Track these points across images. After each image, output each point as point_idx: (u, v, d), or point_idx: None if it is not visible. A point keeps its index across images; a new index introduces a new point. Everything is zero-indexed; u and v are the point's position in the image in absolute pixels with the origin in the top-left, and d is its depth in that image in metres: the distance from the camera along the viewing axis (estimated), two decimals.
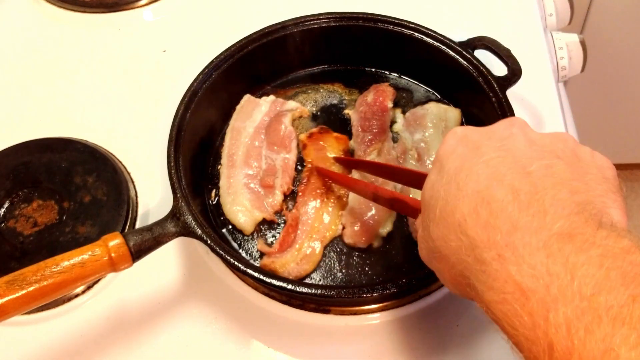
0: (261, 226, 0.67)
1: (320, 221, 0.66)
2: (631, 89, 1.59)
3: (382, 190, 0.59)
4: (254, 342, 0.61)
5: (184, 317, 0.62)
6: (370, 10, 0.76)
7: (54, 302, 0.62)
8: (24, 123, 0.81)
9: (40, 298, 0.49)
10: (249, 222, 0.66)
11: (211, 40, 0.84)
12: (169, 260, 0.66)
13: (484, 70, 0.68)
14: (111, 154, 0.75)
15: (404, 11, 0.78)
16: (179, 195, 0.60)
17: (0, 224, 0.68)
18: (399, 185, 0.67)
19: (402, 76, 0.80)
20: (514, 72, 0.68)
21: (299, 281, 0.62)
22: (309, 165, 0.70)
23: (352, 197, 0.67)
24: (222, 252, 0.56)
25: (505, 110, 0.64)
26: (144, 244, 0.54)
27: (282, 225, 0.66)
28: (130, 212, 0.69)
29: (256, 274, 0.55)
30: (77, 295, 0.64)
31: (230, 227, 0.67)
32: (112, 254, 0.52)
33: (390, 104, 0.74)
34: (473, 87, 0.69)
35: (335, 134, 0.73)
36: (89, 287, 0.64)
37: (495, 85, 0.66)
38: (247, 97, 0.76)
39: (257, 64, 0.76)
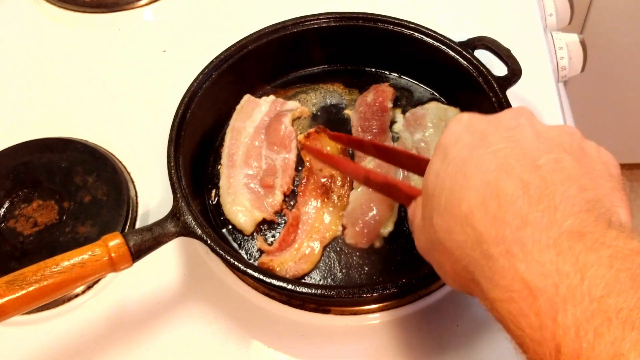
0: (261, 226, 0.67)
1: (320, 221, 0.66)
2: (631, 89, 1.59)
3: (374, 174, 0.57)
4: (254, 342, 0.61)
5: (184, 317, 0.62)
6: (370, 10, 0.76)
7: (54, 302, 0.62)
8: (24, 123, 0.81)
9: (40, 298, 0.49)
10: (249, 222, 0.66)
11: (211, 40, 0.84)
12: (169, 260, 0.66)
13: (484, 70, 0.68)
14: (111, 154, 0.75)
15: (404, 11, 0.78)
16: (179, 195, 0.60)
17: (0, 224, 0.68)
18: (401, 173, 0.67)
19: (402, 76, 0.80)
20: (514, 72, 0.68)
21: (299, 281, 0.62)
22: (308, 165, 0.70)
23: (353, 198, 0.67)
24: (222, 252, 0.56)
25: None
26: (144, 244, 0.54)
27: (282, 225, 0.66)
28: (130, 212, 0.69)
29: (256, 274, 0.55)
30: (77, 295, 0.64)
31: (230, 227, 0.67)
32: (112, 254, 0.52)
33: (390, 104, 0.75)
34: (473, 87, 0.69)
35: (332, 133, 0.72)
36: (89, 287, 0.64)
37: (495, 85, 0.66)
38: (247, 97, 0.76)
39: (257, 64, 0.76)
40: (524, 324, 0.30)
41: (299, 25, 0.75)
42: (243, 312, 0.62)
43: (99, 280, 0.64)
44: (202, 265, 0.65)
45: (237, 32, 0.75)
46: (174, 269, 0.65)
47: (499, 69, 0.69)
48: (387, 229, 0.65)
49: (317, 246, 0.64)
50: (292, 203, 0.68)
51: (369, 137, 0.71)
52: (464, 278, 0.37)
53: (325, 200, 0.67)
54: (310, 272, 0.63)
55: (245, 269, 0.55)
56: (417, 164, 0.55)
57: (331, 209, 0.67)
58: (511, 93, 0.67)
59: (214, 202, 0.69)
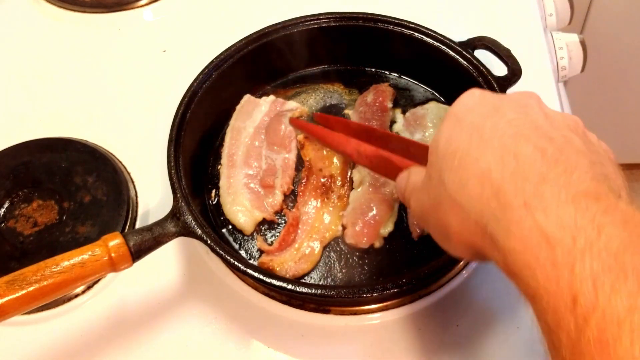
0: (261, 226, 0.67)
1: (320, 221, 0.66)
2: (631, 89, 1.59)
3: (364, 147, 0.57)
4: (254, 342, 0.61)
5: (184, 317, 0.62)
6: (370, 10, 0.76)
7: (54, 302, 0.62)
8: (24, 123, 0.81)
9: (40, 298, 0.49)
10: (249, 222, 0.66)
11: (211, 40, 0.84)
12: (169, 260, 0.66)
13: (484, 70, 0.68)
14: (111, 154, 0.75)
15: (404, 11, 0.78)
16: (179, 195, 0.60)
17: (0, 224, 0.68)
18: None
19: (402, 76, 0.80)
20: (514, 72, 0.68)
21: (299, 281, 0.62)
22: (308, 165, 0.70)
23: (353, 198, 0.67)
24: (222, 252, 0.56)
25: None
26: (144, 244, 0.54)
27: (282, 225, 0.66)
28: (130, 212, 0.69)
29: (256, 274, 0.55)
30: (77, 295, 0.64)
31: (230, 227, 0.67)
32: (112, 254, 0.52)
33: (390, 104, 0.75)
34: (473, 87, 0.68)
35: None
36: (89, 287, 0.64)
37: (495, 85, 0.67)
38: (247, 97, 0.76)
39: (257, 64, 0.76)
40: (540, 275, 0.31)
41: (299, 25, 0.75)
42: (243, 312, 0.62)
43: (99, 280, 0.64)
44: (202, 265, 0.65)
45: (237, 32, 0.75)
46: (174, 269, 0.65)
47: (499, 69, 0.69)
48: (387, 229, 0.65)
49: (317, 246, 0.64)
50: (292, 203, 0.68)
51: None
52: (473, 233, 0.36)
53: (325, 200, 0.67)
54: (310, 272, 0.63)
55: (245, 269, 0.55)
56: (407, 148, 0.55)
57: (331, 209, 0.67)
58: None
59: (214, 202, 0.69)
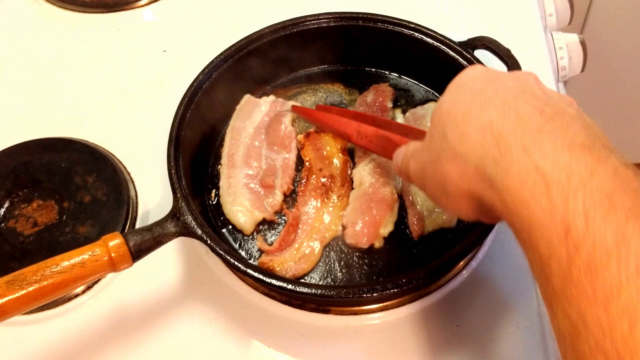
0: (261, 226, 0.67)
1: (320, 221, 0.66)
2: (631, 89, 1.59)
3: (365, 127, 0.59)
4: (254, 342, 0.61)
5: (184, 317, 0.62)
6: (370, 10, 0.76)
7: (54, 302, 0.62)
8: (24, 123, 0.81)
9: (40, 298, 0.49)
10: (249, 222, 0.66)
11: (211, 40, 0.84)
12: (169, 260, 0.66)
13: None
14: (111, 154, 0.75)
15: (404, 11, 0.78)
16: (179, 195, 0.60)
17: (0, 224, 0.68)
18: (399, 185, 0.68)
19: (402, 76, 0.80)
20: None
21: (299, 281, 0.62)
22: (308, 165, 0.70)
23: (353, 197, 0.67)
24: (222, 252, 0.56)
25: None
26: (144, 244, 0.54)
27: (282, 225, 0.66)
28: (130, 212, 0.69)
29: (256, 274, 0.55)
30: (77, 295, 0.64)
31: (230, 227, 0.67)
32: (112, 254, 0.52)
33: (390, 104, 0.75)
34: None
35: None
36: (89, 287, 0.64)
37: None
38: (247, 97, 0.76)
39: (257, 64, 0.76)
40: (535, 209, 0.33)
41: (299, 25, 0.75)
42: (243, 312, 0.62)
43: (99, 280, 0.64)
44: (202, 265, 0.65)
45: (237, 32, 0.75)
46: (174, 269, 0.65)
47: (499, 69, 0.69)
48: (387, 229, 0.65)
49: (317, 246, 0.64)
50: (292, 203, 0.68)
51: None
52: (471, 180, 0.39)
53: (325, 200, 0.67)
54: (310, 272, 0.63)
55: (245, 269, 0.55)
56: (406, 133, 0.57)
57: (331, 209, 0.67)
58: None
59: (214, 202, 0.69)
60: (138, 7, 0.95)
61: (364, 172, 0.68)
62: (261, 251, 0.64)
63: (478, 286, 0.62)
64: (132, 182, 0.73)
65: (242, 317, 0.62)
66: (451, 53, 0.71)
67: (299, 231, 0.65)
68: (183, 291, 0.64)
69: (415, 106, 0.75)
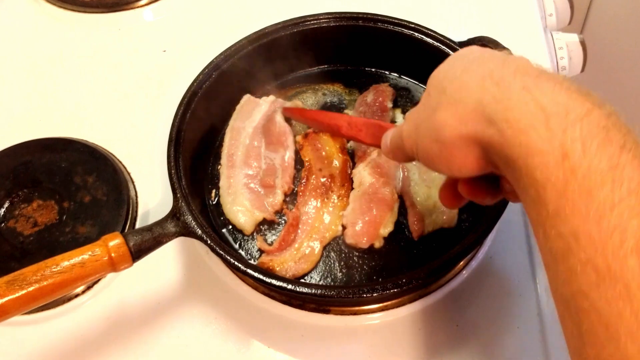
0: (261, 226, 0.67)
1: (320, 221, 0.66)
2: (631, 89, 1.59)
3: (355, 119, 0.60)
4: (254, 342, 0.61)
5: (184, 317, 0.62)
6: (370, 10, 0.76)
7: (54, 302, 0.62)
8: (24, 123, 0.81)
9: (40, 298, 0.49)
10: (250, 222, 0.66)
11: (211, 40, 0.84)
12: (169, 260, 0.66)
13: None
14: (111, 154, 0.75)
15: (404, 11, 0.78)
16: (179, 195, 0.60)
17: (0, 224, 0.68)
18: (401, 173, 0.68)
19: (402, 76, 0.80)
20: None
21: (299, 281, 0.62)
22: (308, 165, 0.70)
23: (353, 197, 0.67)
24: (222, 252, 0.56)
25: None
26: (144, 244, 0.54)
27: (282, 225, 0.66)
28: (130, 212, 0.69)
29: (256, 274, 0.55)
30: (77, 295, 0.64)
31: (230, 227, 0.67)
32: (112, 254, 0.52)
33: (390, 104, 0.75)
34: None
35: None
36: (89, 287, 0.64)
37: None
38: (247, 97, 0.76)
39: (257, 63, 0.76)
40: (534, 136, 0.34)
41: (299, 25, 0.75)
42: (243, 312, 0.62)
43: (99, 280, 0.64)
44: (202, 265, 0.65)
45: (237, 32, 0.75)
46: (174, 269, 0.65)
47: None
48: (387, 229, 0.65)
49: (317, 246, 0.64)
50: (292, 203, 0.68)
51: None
52: (470, 121, 0.39)
53: (325, 200, 0.67)
54: (310, 272, 0.63)
55: (245, 269, 0.55)
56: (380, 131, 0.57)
57: (331, 208, 0.67)
58: None
59: (214, 202, 0.69)
60: (138, 7, 0.95)
61: (364, 172, 0.68)
62: (261, 251, 0.64)
63: (478, 286, 0.62)
64: (132, 182, 0.73)
65: (242, 317, 0.62)
66: (451, 53, 0.71)
67: (299, 231, 0.65)
68: (183, 291, 0.64)
69: (415, 106, 0.75)
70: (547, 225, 0.34)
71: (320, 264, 0.64)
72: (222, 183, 0.69)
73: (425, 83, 0.77)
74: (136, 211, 0.70)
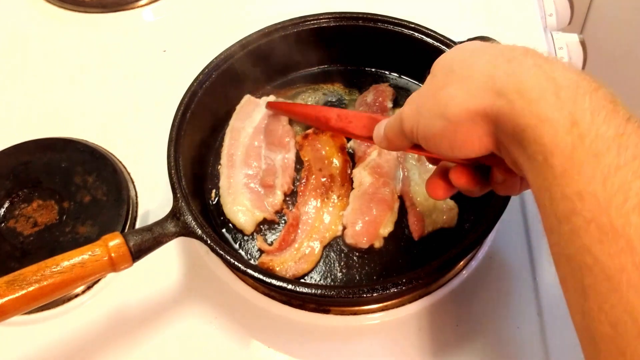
0: (261, 226, 0.67)
1: (320, 221, 0.66)
2: (631, 89, 1.59)
3: (345, 112, 0.60)
4: (254, 342, 0.61)
5: (184, 317, 0.62)
6: (370, 10, 0.76)
7: (54, 302, 0.62)
8: (24, 123, 0.81)
9: (40, 298, 0.49)
10: (250, 222, 0.66)
11: (211, 40, 0.84)
12: (169, 260, 0.66)
13: None
14: (111, 154, 0.75)
15: (404, 11, 0.78)
16: (179, 195, 0.60)
17: (0, 224, 0.68)
18: (401, 173, 0.68)
19: (402, 76, 0.80)
20: None
21: (299, 281, 0.62)
22: (307, 165, 0.70)
23: (353, 197, 0.67)
24: (222, 252, 0.56)
25: None
26: (144, 244, 0.54)
27: (282, 225, 0.66)
28: (130, 212, 0.69)
29: (256, 274, 0.55)
30: (77, 295, 0.64)
31: (230, 227, 0.67)
32: (112, 254, 0.52)
33: (390, 104, 0.75)
34: None
35: (330, 132, 0.72)
36: (89, 287, 0.64)
37: None
38: (247, 97, 0.76)
39: (257, 64, 0.76)
40: (545, 105, 0.36)
41: (299, 25, 0.75)
42: (243, 312, 0.62)
43: (99, 280, 0.64)
44: (202, 265, 0.65)
45: (237, 32, 0.75)
46: (174, 269, 0.65)
47: None
48: (387, 229, 0.65)
49: (317, 246, 0.64)
50: (292, 203, 0.68)
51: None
52: (478, 94, 0.40)
53: (325, 200, 0.67)
54: (310, 272, 0.63)
55: (245, 269, 0.55)
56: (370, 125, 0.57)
57: (331, 208, 0.67)
58: None
59: (214, 202, 0.69)
60: (138, 7, 0.95)
61: (364, 172, 0.68)
62: (261, 251, 0.64)
63: (478, 286, 0.62)
64: (132, 182, 0.73)
65: (242, 317, 0.62)
66: None
67: (299, 231, 0.65)
68: (183, 291, 0.64)
69: None
70: (553, 188, 0.35)
71: (320, 264, 0.64)
72: (222, 183, 0.69)
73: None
74: (136, 211, 0.70)
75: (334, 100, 0.78)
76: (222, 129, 0.74)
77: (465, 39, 0.72)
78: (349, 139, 0.73)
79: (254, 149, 0.72)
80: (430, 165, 0.64)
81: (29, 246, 0.66)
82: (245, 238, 0.66)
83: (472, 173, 0.46)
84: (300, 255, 0.63)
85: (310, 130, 0.73)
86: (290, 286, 0.55)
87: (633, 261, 0.31)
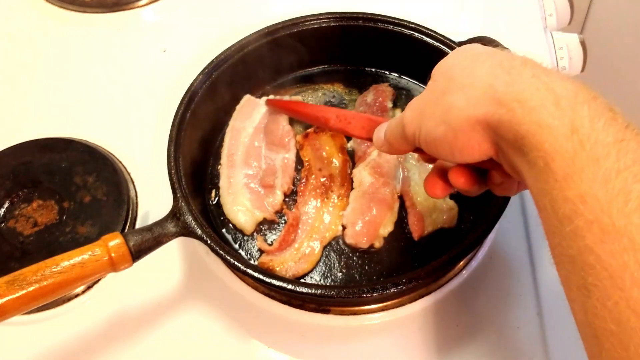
0: (261, 226, 0.67)
1: (320, 221, 0.66)
2: (631, 89, 1.59)
3: (344, 111, 0.60)
4: (254, 342, 0.61)
5: (183, 317, 0.62)
6: (370, 10, 0.76)
7: (54, 302, 0.62)
8: (24, 123, 0.81)
9: (40, 298, 0.49)
10: (250, 222, 0.66)
11: (211, 40, 0.84)
12: (169, 260, 0.66)
13: None
14: (111, 154, 0.75)
15: (404, 11, 0.78)
16: (179, 195, 0.60)
17: (0, 224, 0.68)
18: (401, 173, 0.68)
19: (402, 76, 0.80)
20: None
21: (299, 281, 0.62)
22: (307, 165, 0.70)
23: (353, 198, 0.67)
24: (222, 252, 0.56)
25: None
26: (144, 244, 0.54)
27: (282, 225, 0.66)
28: (130, 212, 0.69)
29: (256, 274, 0.55)
30: (77, 295, 0.64)
31: (230, 227, 0.67)
32: (112, 254, 0.52)
33: (389, 104, 0.75)
34: None
35: (330, 132, 0.72)
36: (89, 287, 0.64)
37: None
38: (247, 97, 0.76)
39: (257, 64, 0.76)
40: (545, 113, 0.37)
41: (299, 25, 0.75)
42: (243, 312, 0.62)
43: (99, 280, 0.64)
44: (202, 265, 0.65)
45: (237, 32, 0.75)
46: (174, 269, 0.65)
47: None
48: (387, 229, 0.65)
49: (317, 246, 0.64)
50: (292, 203, 0.68)
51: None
52: (479, 103, 0.40)
53: (325, 200, 0.67)
54: (310, 272, 0.63)
55: (245, 269, 0.55)
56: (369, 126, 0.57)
57: (331, 208, 0.67)
58: None
59: (214, 202, 0.69)
60: (138, 7, 0.95)
61: (364, 172, 0.68)
62: (261, 251, 0.64)
63: (478, 286, 0.62)
64: (132, 182, 0.73)
65: (242, 317, 0.62)
66: None
67: (299, 231, 0.65)
68: (183, 291, 0.64)
69: None
70: (555, 191, 0.36)
71: (320, 264, 0.64)
72: (222, 183, 0.69)
73: (425, 83, 0.78)
74: (136, 211, 0.70)
75: (334, 100, 0.78)
76: (222, 129, 0.74)
77: (466, 39, 0.72)
78: (349, 139, 0.73)
79: (254, 149, 0.72)
80: (430, 165, 0.64)
81: (29, 246, 0.66)
82: (245, 238, 0.66)
83: (471, 174, 0.47)
84: (300, 255, 0.63)
85: (310, 130, 0.73)
86: (290, 286, 0.55)
87: (636, 259, 0.32)
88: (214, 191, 0.70)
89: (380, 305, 0.61)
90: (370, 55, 0.79)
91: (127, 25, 0.93)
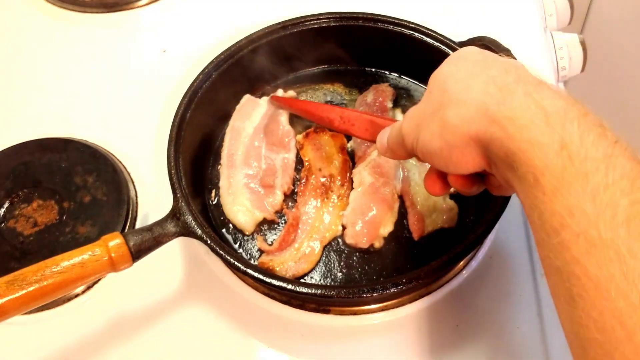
0: (261, 226, 0.67)
1: (320, 221, 0.66)
2: (631, 89, 1.59)
3: (348, 112, 0.61)
4: (254, 341, 0.61)
5: (184, 317, 0.62)
6: (370, 10, 0.76)
7: (54, 302, 0.62)
8: (24, 123, 0.81)
9: (40, 298, 0.49)
10: (250, 222, 0.66)
11: (211, 40, 0.84)
12: (169, 260, 0.66)
13: None
14: (111, 154, 0.75)
15: (404, 11, 0.78)
16: (179, 195, 0.60)
17: (0, 224, 0.68)
18: (401, 173, 0.68)
19: (402, 76, 0.80)
20: None
21: (299, 281, 0.62)
22: (307, 165, 0.70)
23: (353, 197, 0.67)
24: (222, 252, 0.56)
25: None
26: (144, 244, 0.54)
27: (282, 225, 0.66)
28: (130, 212, 0.69)
29: (256, 274, 0.55)
30: (77, 295, 0.64)
31: (230, 227, 0.67)
32: (112, 254, 0.52)
33: (390, 104, 0.75)
34: None
35: (330, 132, 0.72)
36: (89, 287, 0.64)
37: None
38: (247, 97, 0.76)
39: (257, 63, 0.76)
40: (535, 130, 0.38)
41: (299, 25, 0.75)
42: (243, 312, 0.62)
43: (99, 280, 0.64)
44: (202, 265, 0.65)
45: (237, 32, 0.75)
46: (174, 269, 0.65)
47: None
48: (387, 229, 0.65)
49: (317, 246, 0.64)
50: (292, 203, 0.68)
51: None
52: (472, 121, 0.41)
53: (325, 200, 0.67)
54: (310, 271, 0.63)
55: (245, 269, 0.55)
56: (373, 128, 0.59)
57: (331, 208, 0.67)
58: None
59: (214, 202, 0.69)
60: (138, 7, 0.95)
61: (364, 172, 0.68)
62: (261, 251, 0.64)
63: (478, 286, 0.62)
64: (132, 182, 0.73)
65: (242, 317, 0.62)
66: (451, 53, 0.71)
67: (299, 231, 0.65)
68: (183, 291, 0.64)
69: (414, 105, 0.75)
70: (543, 205, 0.37)
71: (320, 264, 0.64)
72: (222, 183, 0.69)
73: (425, 83, 0.78)
74: (136, 211, 0.70)
75: (334, 100, 0.78)
76: (222, 129, 0.74)
77: (466, 39, 0.72)
78: (349, 138, 0.73)
79: (254, 149, 0.72)
80: (430, 165, 0.64)
81: (29, 246, 0.66)
82: (245, 238, 0.66)
83: (468, 177, 0.47)
84: (300, 255, 0.63)
85: (310, 130, 0.73)
86: (290, 286, 0.55)
87: (621, 270, 0.32)
88: (214, 191, 0.70)
89: (380, 305, 0.61)
90: (370, 55, 0.79)
91: (127, 25, 0.93)
